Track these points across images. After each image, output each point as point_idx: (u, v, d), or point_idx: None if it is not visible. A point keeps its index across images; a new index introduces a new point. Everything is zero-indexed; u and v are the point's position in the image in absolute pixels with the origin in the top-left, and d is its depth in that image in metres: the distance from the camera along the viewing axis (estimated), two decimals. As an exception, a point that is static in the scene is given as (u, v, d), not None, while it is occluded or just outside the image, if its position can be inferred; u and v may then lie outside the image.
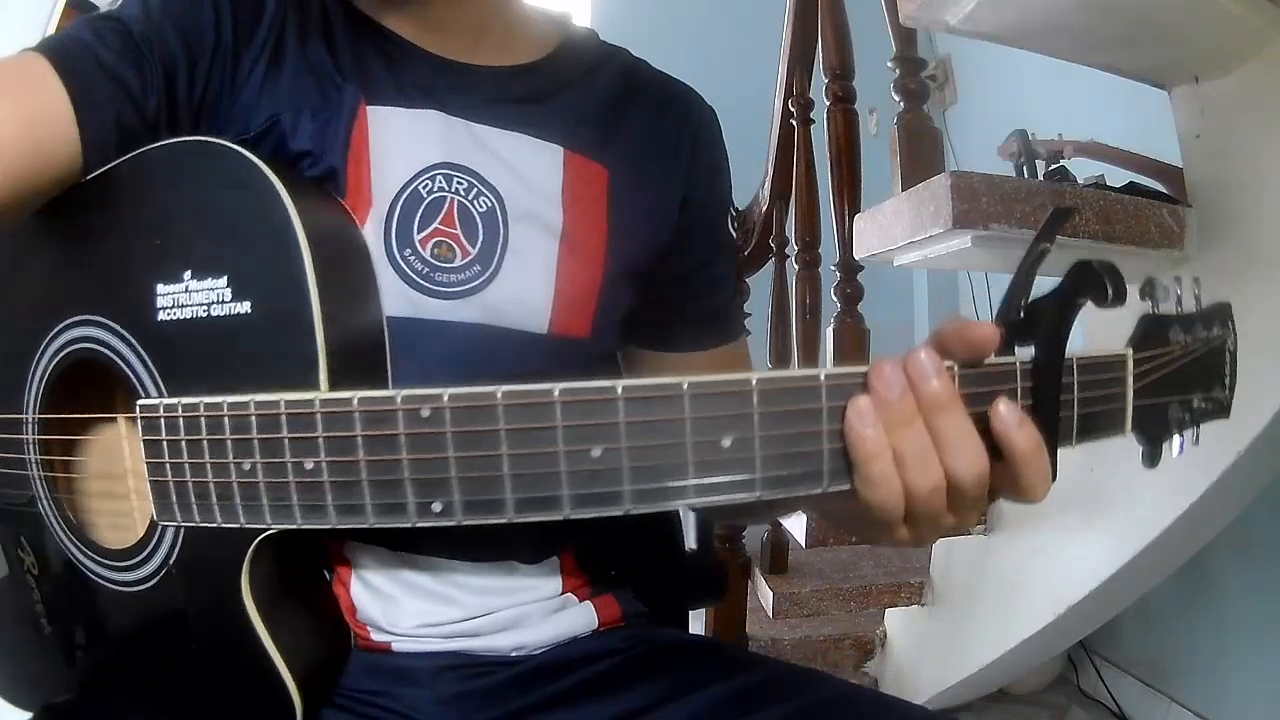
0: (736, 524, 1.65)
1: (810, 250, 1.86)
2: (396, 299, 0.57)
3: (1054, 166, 1.48)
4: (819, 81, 1.74)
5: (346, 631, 0.60)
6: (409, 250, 0.59)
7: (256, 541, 0.48)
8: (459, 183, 0.60)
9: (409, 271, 0.58)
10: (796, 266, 1.87)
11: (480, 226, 0.60)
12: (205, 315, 0.49)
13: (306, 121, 0.58)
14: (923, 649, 1.81)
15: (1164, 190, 1.30)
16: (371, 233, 0.58)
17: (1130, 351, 0.45)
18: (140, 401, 0.49)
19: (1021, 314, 0.42)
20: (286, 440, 0.43)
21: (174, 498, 0.48)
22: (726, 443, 0.39)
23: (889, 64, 1.44)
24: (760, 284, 2.10)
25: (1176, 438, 0.47)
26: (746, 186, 2.13)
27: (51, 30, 1.46)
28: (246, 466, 0.44)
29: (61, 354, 0.56)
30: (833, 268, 1.65)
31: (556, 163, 0.64)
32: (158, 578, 0.53)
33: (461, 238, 0.60)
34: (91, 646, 0.59)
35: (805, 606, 1.77)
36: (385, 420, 0.41)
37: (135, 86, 0.55)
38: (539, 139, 0.64)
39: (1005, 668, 1.65)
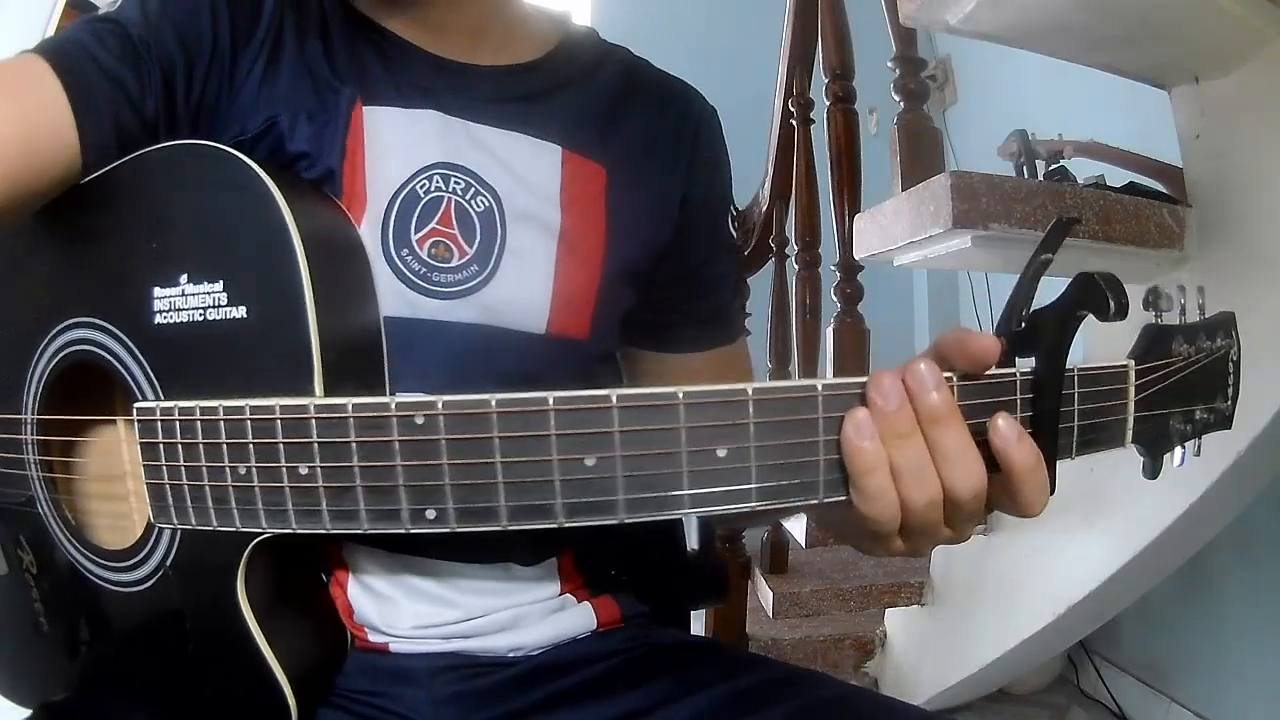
0: (736, 528, 1.65)
1: (810, 250, 1.86)
2: (394, 299, 0.57)
3: (1054, 166, 1.48)
4: (819, 81, 1.74)
5: (343, 632, 0.60)
6: (406, 250, 0.59)
7: (252, 545, 0.48)
8: (456, 182, 0.60)
9: (406, 272, 0.58)
10: (796, 266, 1.87)
11: (478, 226, 0.60)
12: (201, 319, 0.49)
13: (304, 123, 0.58)
14: (923, 649, 1.81)
15: (1164, 190, 1.30)
16: (368, 233, 0.58)
17: (1132, 363, 0.45)
18: (137, 405, 0.49)
19: (1022, 325, 0.42)
20: (282, 445, 0.43)
21: (170, 500, 0.48)
22: (722, 453, 0.39)
23: (889, 64, 1.44)
24: (760, 284, 2.10)
25: (1178, 449, 0.47)
26: (746, 186, 2.13)
27: (51, 31, 1.46)
28: (242, 470, 0.44)
29: (60, 356, 0.56)
30: (833, 268, 1.65)
31: (555, 162, 0.64)
32: (155, 579, 0.53)
33: (459, 237, 0.60)
34: (89, 646, 0.59)
35: (805, 606, 1.77)
36: (380, 427, 0.41)
37: (134, 88, 0.55)
38: (537, 138, 0.64)
39: (1005, 668, 1.65)
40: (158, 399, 0.50)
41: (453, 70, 0.63)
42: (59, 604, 0.61)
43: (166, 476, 0.47)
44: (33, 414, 0.58)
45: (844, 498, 0.41)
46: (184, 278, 0.49)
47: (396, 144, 0.60)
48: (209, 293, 0.49)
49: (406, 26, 0.63)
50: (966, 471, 0.41)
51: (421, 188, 0.60)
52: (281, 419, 0.43)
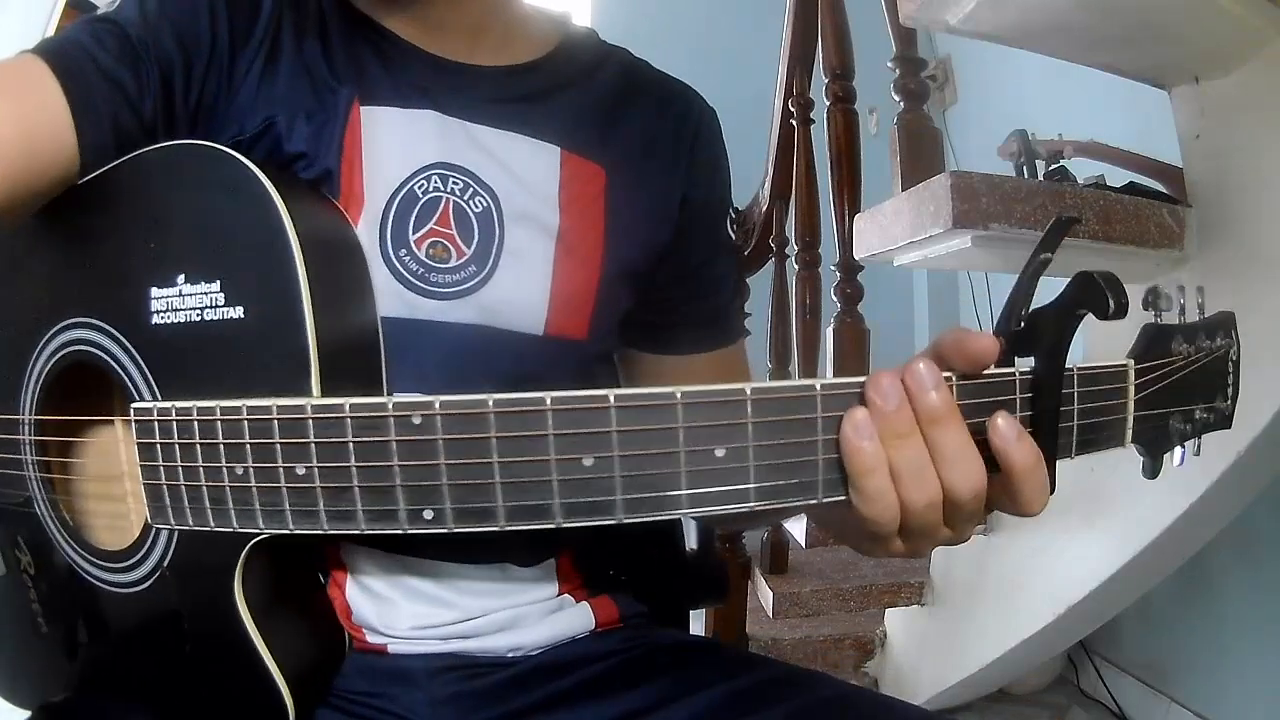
0: (735, 530, 1.64)
1: (810, 250, 1.86)
2: (391, 299, 0.57)
3: (1054, 166, 1.48)
4: (819, 81, 1.74)
5: (341, 633, 0.60)
6: (404, 250, 0.58)
7: (249, 546, 0.48)
8: (454, 183, 0.60)
9: (404, 272, 0.58)
10: (796, 266, 1.87)
11: (476, 227, 0.60)
12: (199, 320, 0.49)
13: (302, 124, 0.58)
14: (923, 649, 1.80)
15: (1164, 190, 1.29)
16: (365, 233, 0.58)
17: (1132, 363, 0.45)
18: (134, 405, 0.48)
19: (1022, 324, 0.42)
20: (279, 445, 0.43)
21: (167, 500, 0.48)
22: (720, 453, 0.39)
23: (889, 64, 1.44)
24: (760, 284, 2.10)
25: (1178, 449, 0.47)
26: (746, 186, 2.13)
27: (51, 31, 1.46)
28: (239, 471, 0.44)
29: (58, 356, 0.56)
30: (833, 268, 1.65)
31: (554, 163, 0.64)
32: (152, 579, 0.53)
33: (457, 238, 0.60)
34: (87, 647, 0.59)
35: (805, 606, 1.77)
36: (377, 427, 0.41)
37: (132, 89, 0.55)
38: (536, 139, 0.64)
39: (1005, 668, 1.65)
40: (155, 399, 0.50)
41: (452, 70, 0.63)
42: (57, 605, 0.61)
43: (164, 477, 0.47)
44: (30, 414, 0.58)
45: (843, 498, 0.41)
46: (181, 278, 0.49)
47: (395, 144, 0.60)
48: (206, 293, 0.49)
49: (406, 25, 0.63)
50: (966, 472, 0.41)
51: (420, 188, 0.59)
52: (278, 419, 0.43)
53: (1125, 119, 1.62)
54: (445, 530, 0.41)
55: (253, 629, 0.50)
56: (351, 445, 0.41)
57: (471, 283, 0.60)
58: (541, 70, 0.67)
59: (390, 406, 0.41)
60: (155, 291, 0.50)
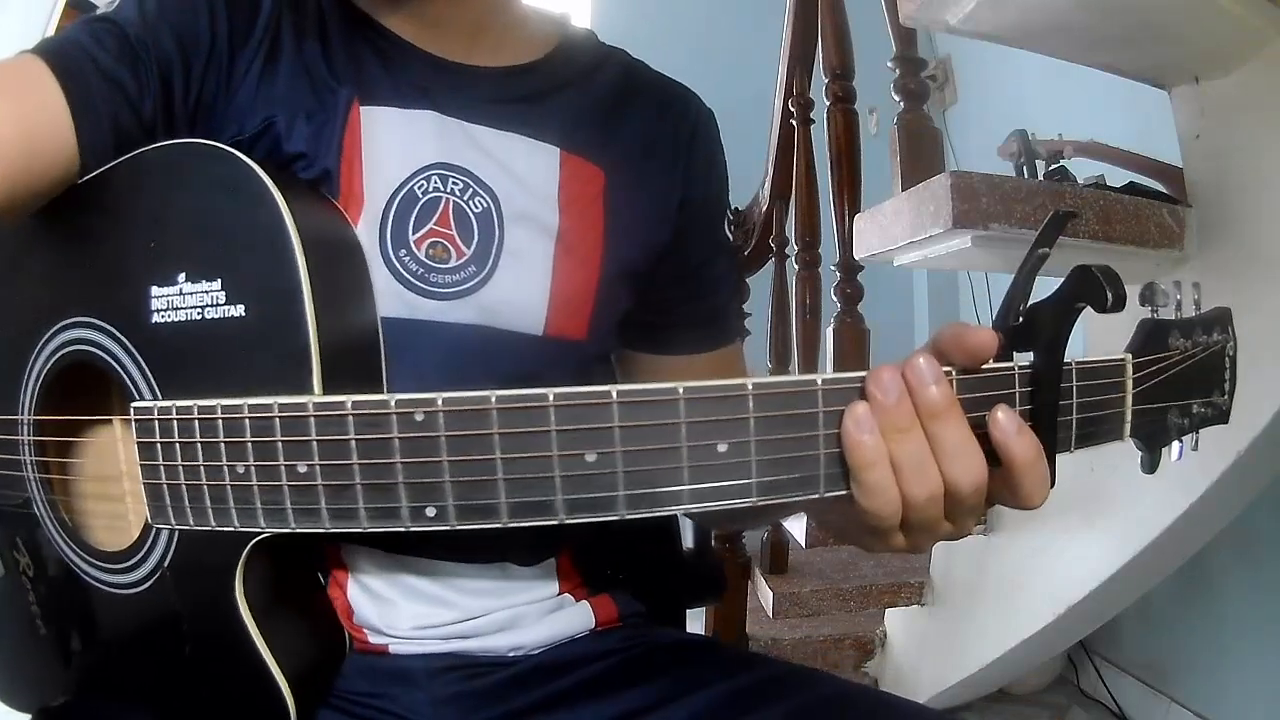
0: (732, 530, 1.64)
1: (810, 250, 1.86)
2: (391, 300, 0.57)
3: (1054, 166, 1.47)
4: (819, 81, 1.74)
5: (341, 634, 0.60)
6: (404, 251, 0.58)
7: (250, 545, 0.48)
8: (454, 183, 0.60)
9: (404, 272, 0.58)
10: (796, 266, 1.87)
11: (476, 227, 0.60)
12: (199, 318, 0.49)
13: (301, 124, 0.58)
14: (923, 649, 1.80)
15: (1164, 190, 1.29)
16: (365, 233, 0.58)
17: (1129, 357, 0.45)
18: (134, 404, 0.48)
19: (1020, 319, 0.42)
20: (280, 444, 0.43)
21: (168, 500, 0.47)
22: (722, 448, 0.39)
23: (889, 64, 1.44)
24: (760, 284, 2.10)
25: (1175, 444, 0.47)
26: (746, 186, 2.13)
27: (51, 30, 1.46)
28: (240, 469, 0.44)
29: (57, 356, 0.56)
30: (833, 268, 1.65)
31: (553, 163, 0.64)
32: (152, 580, 0.53)
33: (457, 238, 0.60)
34: (87, 649, 0.59)
35: (805, 606, 1.77)
36: (379, 424, 0.41)
37: (132, 89, 0.55)
38: (535, 139, 0.64)
39: (1005, 668, 1.65)
40: (155, 398, 0.50)
41: (451, 70, 0.63)
42: (56, 606, 0.60)
43: (164, 476, 0.47)
44: (29, 414, 0.58)
45: (844, 492, 0.41)
46: (182, 276, 0.49)
47: (394, 144, 0.60)
48: (207, 291, 0.48)
49: (405, 24, 0.63)
50: (967, 465, 0.41)
51: (419, 188, 0.59)
52: (280, 417, 0.43)
53: (1125, 119, 1.62)
54: (448, 527, 0.41)
55: (254, 629, 0.50)
56: (354, 443, 0.41)
57: (471, 283, 0.60)
58: (540, 71, 0.67)
59: (393, 404, 0.41)
60: (156, 290, 0.50)
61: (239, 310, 0.48)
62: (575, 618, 0.67)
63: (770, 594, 1.77)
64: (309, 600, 0.59)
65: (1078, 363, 0.43)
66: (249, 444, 0.44)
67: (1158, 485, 1.22)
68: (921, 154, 1.35)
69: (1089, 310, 0.41)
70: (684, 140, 0.70)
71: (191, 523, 0.47)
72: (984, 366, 0.42)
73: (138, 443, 0.48)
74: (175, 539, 0.51)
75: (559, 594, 0.67)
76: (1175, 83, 1.22)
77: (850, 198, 1.61)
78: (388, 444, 0.41)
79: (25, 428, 0.58)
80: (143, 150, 0.52)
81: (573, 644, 0.67)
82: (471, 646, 0.63)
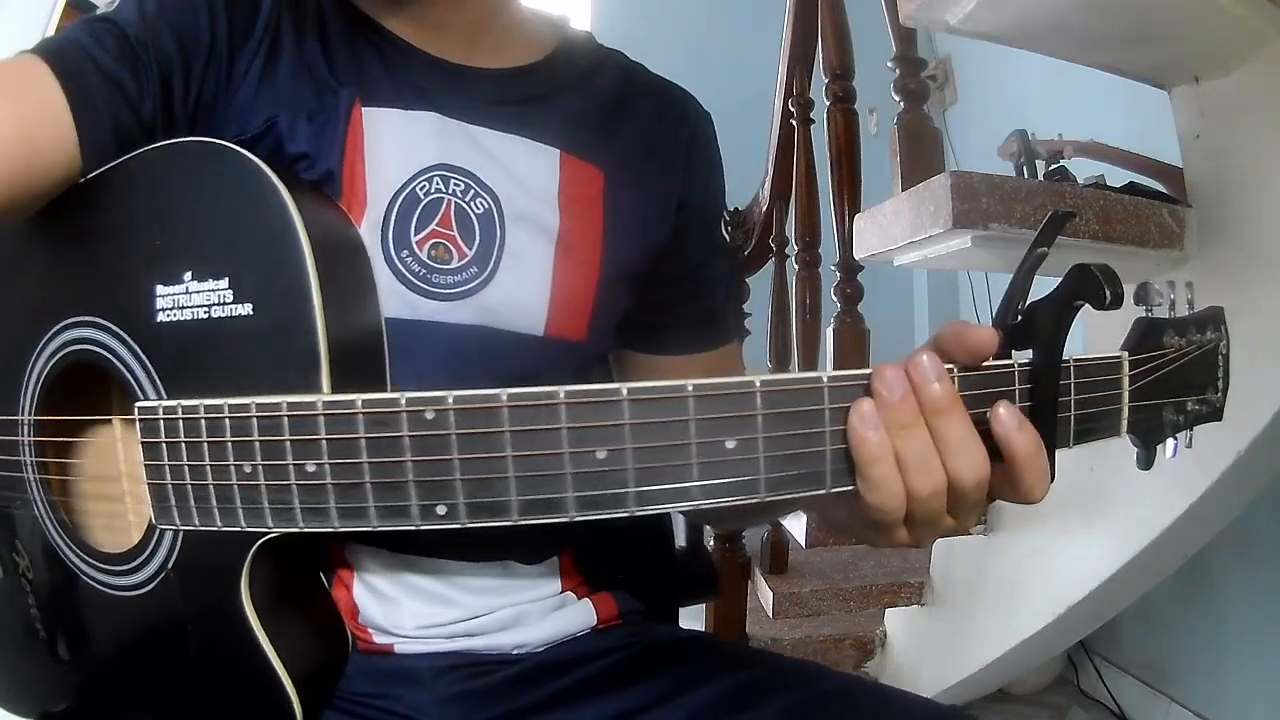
0: (734, 528, 1.64)
1: (810, 250, 1.85)
2: (393, 300, 0.57)
3: (1054, 166, 1.48)
4: (819, 81, 1.73)
5: (345, 635, 0.60)
6: (406, 252, 0.59)
7: (257, 545, 0.48)
8: (456, 184, 0.60)
9: (406, 273, 0.58)
10: (796, 266, 1.87)
11: (477, 228, 0.60)
12: (206, 317, 0.49)
13: (303, 125, 0.58)
14: (923, 649, 1.80)
15: (1164, 190, 1.30)
16: (367, 234, 0.58)
17: (1125, 354, 0.46)
18: (139, 404, 0.48)
19: (1019, 317, 0.42)
20: (288, 442, 0.43)
21: (173, 501, 0.47)
22: (730, 444, 0.40)
23: (889, 64, 1.44)
24: (760, 284, 2.09)
25: (1170, 440, 0.48)
26: (746, 186, 2.13)
27: (51, 30, 1.46)
28: (247, 469, 0.44)
29: (58, 355, 0.55)
30: (833, 268, 1.64)
31: (553, 165, 0.64)
32: (155, 582, 0.53)
33: (458, 239, 0.60)
34: (89, 652, 0.59)
35: (805, 606, 1.77)
36: (389, 422, 0.41)
37: (132, 89, 0.55)
38: (535, 141, 0.64)
39: (1005, 668, 1.65)
40: (160, 398, 0.50)
41: (451, 72, 0.63)
42: (57, 609, 0.60)
43: (169, 476, 0.47)
44: (30, 415, 0.57)
45: (850, 488, 0.42)
46: (188, 275, 0.49)
47: (396, 145, 0.60)
48: (214, 290, 0.48)
49: (405, 25, 0.63)
50: (970, 460, 0.42)
51: (421, 189, 0.60)
52: (289, 416, 0.43)
53: (1125, 119, 1.62)
54: (458, 525, 0.41)
55: (260, 630, 0.50)
56: (363, 441, 0.41)
57: (473, 284, 0.60)
58: (540, 73, 0.67)
59: (403, 402, 0.41)
60: (161, 289, 0.50)
61: (246, 309, 0.48)
62: (577, 615, 0.68)
63: (770, 594, 1.77)
64: (314, 601, 0.59)
65: (1075, 360, 0.43)
66: (256, 443, 0.44)
67: (1157, 485, 1.22)
68: (921, 154, 1.35)
69: (1089, 308, 0.42)
70: (683, 142, 0.70)
71: (197, 523, 0.47)
72: (984, 364, 0.42)
73: (142, 443, 0.48)
74: (180, 540, 0.51)
75: (561, 592, 0.67)
76: (1175, 83, 1.22)
77: (850, 198, 1.61)
78: (398, 442, 0.41)
79: (25, 428, 0.58)
80: (146, 149, 0.52)
81: (575, 642, 0.67)
82: (475, 645, 0.63)
